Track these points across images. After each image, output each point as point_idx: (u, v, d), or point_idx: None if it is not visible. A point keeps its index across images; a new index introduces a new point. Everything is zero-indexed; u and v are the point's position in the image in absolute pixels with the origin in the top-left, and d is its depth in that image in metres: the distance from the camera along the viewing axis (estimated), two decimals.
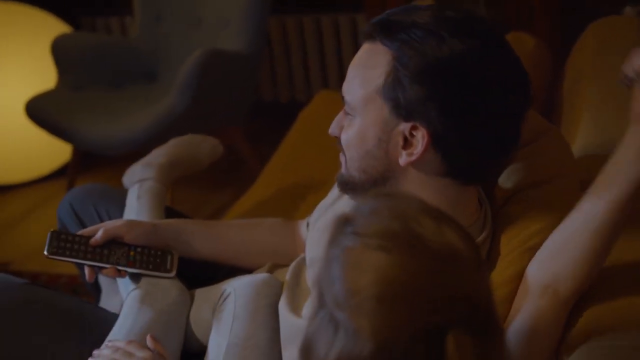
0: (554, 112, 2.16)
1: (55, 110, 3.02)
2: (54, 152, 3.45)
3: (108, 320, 1.46)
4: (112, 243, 1.47)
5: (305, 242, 1.51)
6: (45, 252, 1.44)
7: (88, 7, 3.90)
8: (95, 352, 1.32)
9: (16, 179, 3.47)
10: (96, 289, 1.78)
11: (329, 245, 0.91)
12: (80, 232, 1.49)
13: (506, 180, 1.28)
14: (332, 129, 1.26)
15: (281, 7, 3.49)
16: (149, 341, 1.34)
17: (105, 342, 1.35)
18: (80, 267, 1.56)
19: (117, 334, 1.37)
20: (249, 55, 2.98)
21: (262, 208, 2.08)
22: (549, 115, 2.09)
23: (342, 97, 1.22)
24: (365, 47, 1.19)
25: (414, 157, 1.16)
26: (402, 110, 1.14)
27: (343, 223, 0.91)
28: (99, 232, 1.47)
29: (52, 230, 1.47)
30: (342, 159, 1.26)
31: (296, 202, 2.05)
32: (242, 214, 2.07)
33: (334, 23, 3.53)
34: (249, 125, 3.40)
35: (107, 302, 1.68)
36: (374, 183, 1.22)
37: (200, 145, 1.88)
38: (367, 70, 1.17)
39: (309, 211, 1.82)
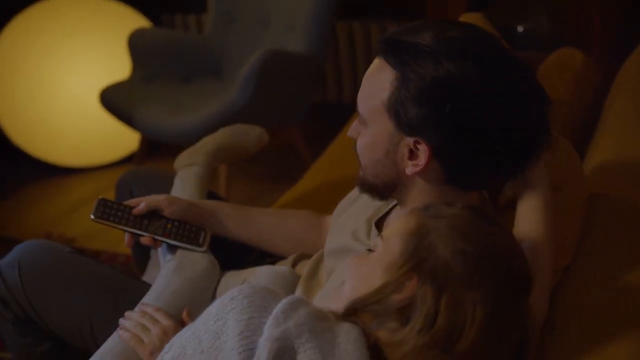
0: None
1: (126, 100, 3.20)
2: (123, 139, 3.63)
3: (142, 288, 1.59)
4: (153, 215, 1.60)
5: None
6: (92, 216, 1.57)
7: (168, 4, 4.09)
8: (127, 314, 1.44)
9: (88, 163, 3.67)
10: (143, 259, 1.91)
11: None
12: (126, 202, 1.62)
13: (509, 186, 1.34)
14: (351, 132, 1.34)
15: (349, 13, 3.60)
16: (184, 314, 1.45)
17: (138, 305, 1.47)
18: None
19: (149, 299, 1.49)
20: (311, 58, 3.09)
21: (303, 201, 2.18)
22: (593, 130, 2.14)
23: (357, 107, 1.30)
24: (376, 63, 1.27)
25: (418, 168, 1.23)
26: (405, 127, 1.22)
27: None
28: (142, 203, 1.60)
29: (100, 197, 1.61)
30: (358, 162, 1.35)
31: (335, 197, 2.14)
32: (283, 205, 2.18)
33: None
34: (313, 124, 3.51)
35: (152, 271, 1.81)
36: (386, 188, 1.31)
37: (247, 134, 2.00)
38: (375, 86, 1.25)
39: None
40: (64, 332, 1.58)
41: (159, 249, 1.64)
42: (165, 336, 1.36)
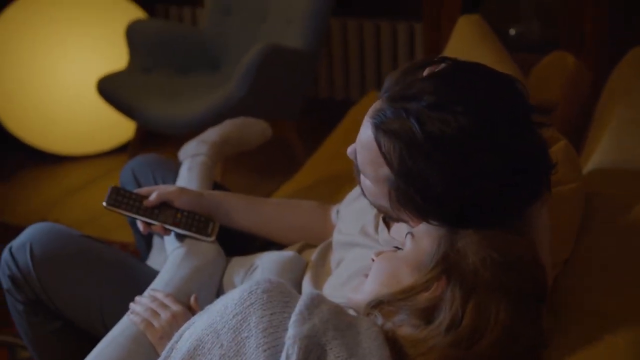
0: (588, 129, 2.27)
1: (124, 89, 3.24)
2: (118, 129, 3.65)
3: (151, 273, 1.64)
4: (163, 204, 1.64)
5: (335, 227, 1.66)
6: (104, 203, 1.62)
7: None
8: (137, 299, 1.48)
9: (83, 151, 3.69)
10: (147, 247, 1.95)
11: None
12: (137, 190, 1.66)
13: None
14: (350, 154, 1.32)
15: (344, 10, 3.65)
16: (192, 300, 1.50)
17: (147, 291, 1.52)
18: (133, 225, 1.73)
19: (158, 285, 1.53)
20: (307, 53, 3.14)
21: (302, 193, 2.23)
22: (584, 132, 2.21)
23: (355, 156, 1.27)
24: (369, 134, 1.19)
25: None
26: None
27: None
28: (153, 194, 1.64)
29: (112, 185, 1.65)
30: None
31: (333, 191, 2.20)
32: (283, 196, 2.23)
33: (392, 29, 3.68)
34: (304, 119, 3.57)
35: (155, 259, 1.86)
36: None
37: (251, 127, 2.05)
38: (373, 159, 1.20)
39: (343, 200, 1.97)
40: (73, 313, 1.61)
41: (165, 238, 1.69)
42: (175, 321, 1.41)
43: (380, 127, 1.17)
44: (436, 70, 1.18)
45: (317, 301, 1.12)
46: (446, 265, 1.13)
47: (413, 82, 1.17)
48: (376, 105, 1.22)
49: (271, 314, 1.11)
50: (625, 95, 2.05)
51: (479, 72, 1.19)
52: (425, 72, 1.18)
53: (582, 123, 2.28)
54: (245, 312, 1.12)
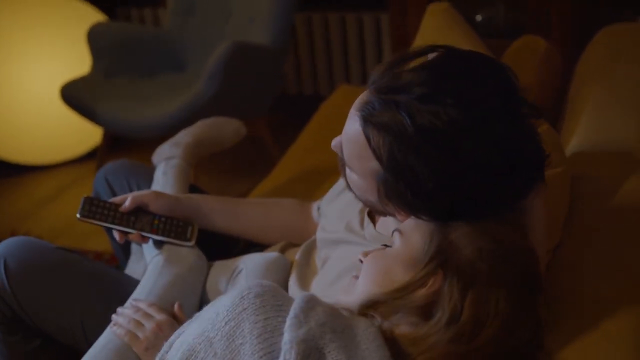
0: (562, 112, 2.26)
1: (88, 94, 3.18)
2: (85, 135, 3.59)
3: (130, 283, 1.60)
4: (139, 211, 1.60)
5: (317, 224, 1.63)
6: (78, 215, 1.57)
7: None
8: (119, 310, 1.44)
9: (50, 160, 3.63)
10: (125, 255, 1.91)
11: None
12: (111, 199, 1.61)
13: None
14: (335, 148, 1.27)
15: (308, 4, 3.62)
16: (175, 307, 1.46)
17: (129, 301, 1.47)
18: (109, 232, 1.69)
19: (139, 295, 1.49)
20: (274, 50, 3.11)
21: (279, 191, 2.20)
22: (558, 115, 2.20)
23: (340, 149, 1.23)
24: (356, 127, 1.16)
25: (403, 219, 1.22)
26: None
27: None
28: (128, 200, 1.59)
29: (85, 195, 1.60)
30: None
31: (312, 187, 2.17)
32: (261, 195, 2.20)
33: (358, 21, 3.65)
34: (274, 116, 3.53)
35: (134, 266, 1.81)
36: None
37: (225, 127, 2.02)
38: (361, 154, 1.17)
39: (322, 196, 1.95)
40: (53, 329, 1.56)
41: (144, 245, 1.64)
42: (160, 331, 1.37)
43: (369, 120, 1.13)
44: (426, 60, 1.14)
45: (312, 303, 1.09)
46: (441, 259, 1.09)
47: (402, 73, 1.13)
48: (363, 97, 1.17)
49: (265, 319, 1.07)
50: (600, 76, 2.04)
51: (469, 60, 1.16)
52: (415, 62, 1.14)
53: (556, 107, 2.27)
54: (238, 318, 1.08)
